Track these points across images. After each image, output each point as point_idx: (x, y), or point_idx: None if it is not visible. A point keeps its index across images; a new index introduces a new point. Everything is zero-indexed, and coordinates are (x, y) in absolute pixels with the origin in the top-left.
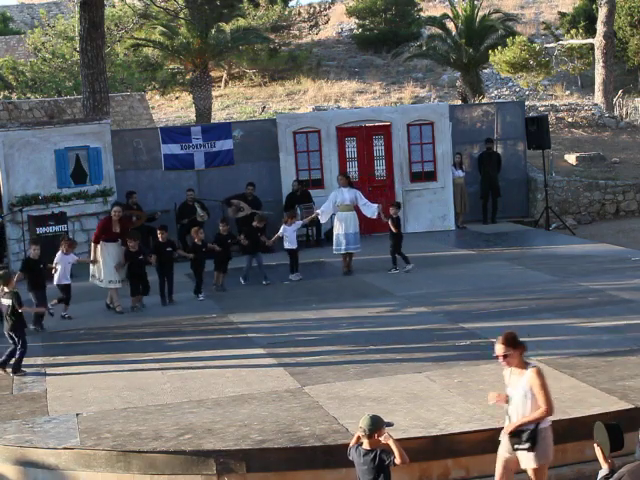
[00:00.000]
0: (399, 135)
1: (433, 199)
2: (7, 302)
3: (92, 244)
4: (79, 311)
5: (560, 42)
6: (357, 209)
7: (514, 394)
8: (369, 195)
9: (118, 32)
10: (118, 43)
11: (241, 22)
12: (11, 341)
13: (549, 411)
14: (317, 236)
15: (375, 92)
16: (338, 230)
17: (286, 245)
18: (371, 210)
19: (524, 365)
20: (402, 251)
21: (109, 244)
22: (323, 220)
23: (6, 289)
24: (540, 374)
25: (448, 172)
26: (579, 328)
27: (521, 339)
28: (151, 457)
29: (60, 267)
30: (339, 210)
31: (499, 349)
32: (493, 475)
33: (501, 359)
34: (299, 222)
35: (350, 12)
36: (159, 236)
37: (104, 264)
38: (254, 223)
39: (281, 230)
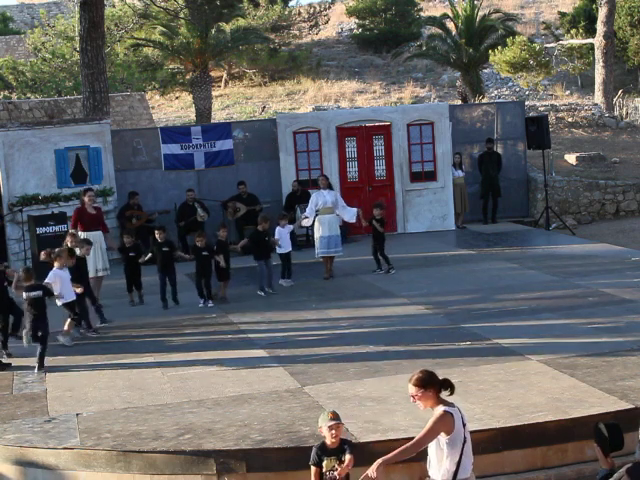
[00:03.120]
0: (399, 135)
1: (433, 199)
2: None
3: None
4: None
5: (560, 42)
6: None
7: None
8: (369, 195)
9: (118, 32)
10: (118, 43)
11: (241, 22)
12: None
13: (412, 448)
14: None
15: (375, 92)
16: (321, 233)
17: (279, 249)
18: (350, 214)
19: (438, 406)
20: (385, 252)
21: (89, 233)
22: (307, 224)
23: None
24: (439, 416)
25: (448, 172)
26: (579, 328)
27: (440, 378)
28: (151, 457)
29: (61, 283)
30: (320, 213)
31: (410, 389)
32: (493, 475)
33: (412, 400)
34: (290, 226)
35: (350, 12)
36: (157, 236)
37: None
38: (259, 227)
39: (277, 234)
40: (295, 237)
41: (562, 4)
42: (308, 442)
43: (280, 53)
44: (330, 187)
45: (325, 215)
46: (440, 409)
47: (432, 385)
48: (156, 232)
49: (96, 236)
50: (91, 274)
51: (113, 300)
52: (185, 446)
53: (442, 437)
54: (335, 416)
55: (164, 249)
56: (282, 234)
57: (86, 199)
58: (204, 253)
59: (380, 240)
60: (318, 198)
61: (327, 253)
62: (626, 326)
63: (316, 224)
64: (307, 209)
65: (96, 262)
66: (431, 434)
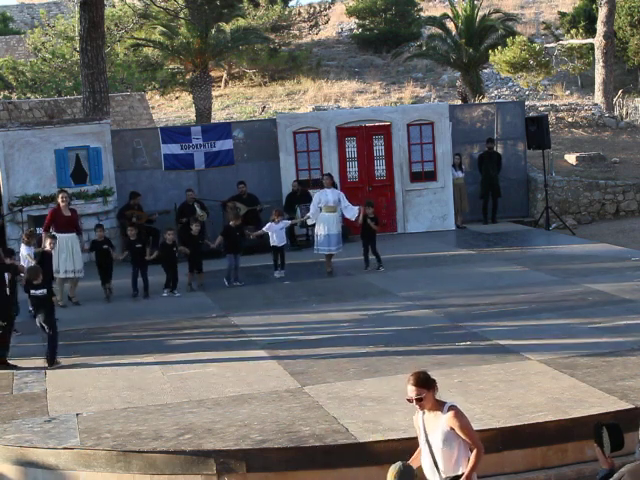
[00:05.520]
0: (399, 135)
1: (433, 199)
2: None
3: (43, 233)
4: (79, 311)
5: (560, 42)
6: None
7: (432, 439)
8: (369, 195)
9: (118, 32)
10: (118, 43)
11: (241, 22)
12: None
13: (482, 451)
14: None
15: (375, 92)
16: (321, 231)
17: (272, 242)
18: (352, 212)
19: (439, 406)
20: (369, 254)
21: (63, 235)
22: (310, 222)
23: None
24: (459, 414)
25: (448, 172)
26: (579, 328)
27: (433, 377)
28: (151, 457)
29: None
30: (323, 211)
31: (412, 391)
32: (493, 475)
33: (414, 402)
34: (286, 221)
35: (350, 12)
36: (129, 233)
37: (59, 255)
38: (231, 222)
39: (266, 227)
40: (295, 237)
41: (562, 4)
42: (308, 442)
43: (280, 53)
44: (334, 186)
45: (326, 214)
46: (448, 406)
47: (433, 384)
48: (128, 229)
49: (69, 238)
50: (61, 275)
51: (106, 301)
52: (185, 446)
53: (453, 433)
54: (400, 475)
55: (137, 246)
56: (273, 229)
57: (59, 200)
58: (174, 249)
59: (373, 238)
60: (320, 197)
61: (325, 251)
62: (626, 326)
63: (317, 222)
64: (311, 208)
65: (66, 264)
66: (473, 430)
